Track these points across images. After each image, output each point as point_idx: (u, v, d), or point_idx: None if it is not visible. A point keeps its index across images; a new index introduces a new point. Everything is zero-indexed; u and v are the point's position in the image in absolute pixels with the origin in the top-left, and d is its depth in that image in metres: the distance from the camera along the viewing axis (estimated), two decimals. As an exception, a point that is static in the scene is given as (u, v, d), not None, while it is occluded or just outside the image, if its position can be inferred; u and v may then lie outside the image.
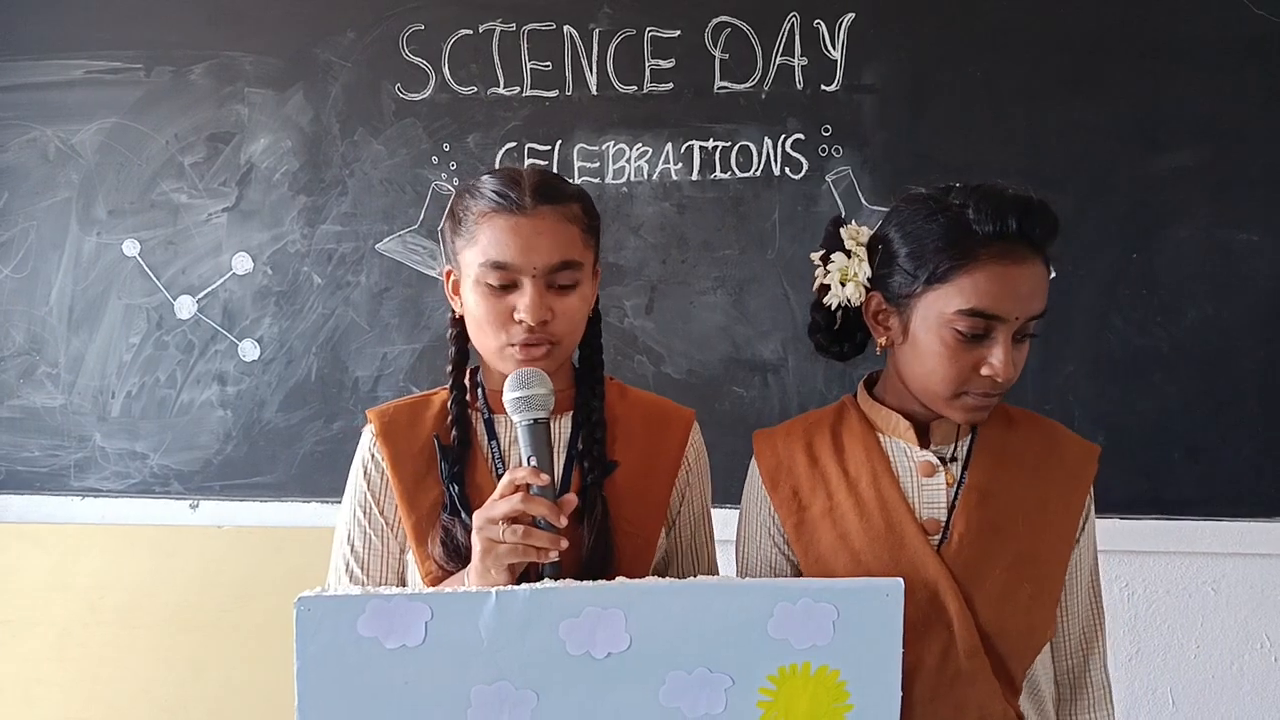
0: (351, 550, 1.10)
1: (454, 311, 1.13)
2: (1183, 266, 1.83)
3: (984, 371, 0.99)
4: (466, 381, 1.13)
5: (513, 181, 1.05)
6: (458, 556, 1.04)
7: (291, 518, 2.02)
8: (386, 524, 1.10)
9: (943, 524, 1.03)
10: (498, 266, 1.03)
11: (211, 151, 2.05)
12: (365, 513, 1.11)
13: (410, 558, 1.09)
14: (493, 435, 1.10)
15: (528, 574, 0.99)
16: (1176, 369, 1.83)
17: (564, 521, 0.96)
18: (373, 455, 1.11)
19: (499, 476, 1.07)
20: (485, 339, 1.06)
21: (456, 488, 1.06)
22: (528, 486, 0.96)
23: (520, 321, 1.03)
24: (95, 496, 2.08)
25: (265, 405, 2.06)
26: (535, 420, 1.00)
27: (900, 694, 0.88)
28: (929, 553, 1.01)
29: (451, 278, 1.11)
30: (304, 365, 2.05)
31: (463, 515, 1.04)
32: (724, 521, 1.94)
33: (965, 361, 0.99)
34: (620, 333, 1.98)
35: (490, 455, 1.09)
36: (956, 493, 1.04)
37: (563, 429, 1.12)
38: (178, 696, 1.92)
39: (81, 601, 1.96)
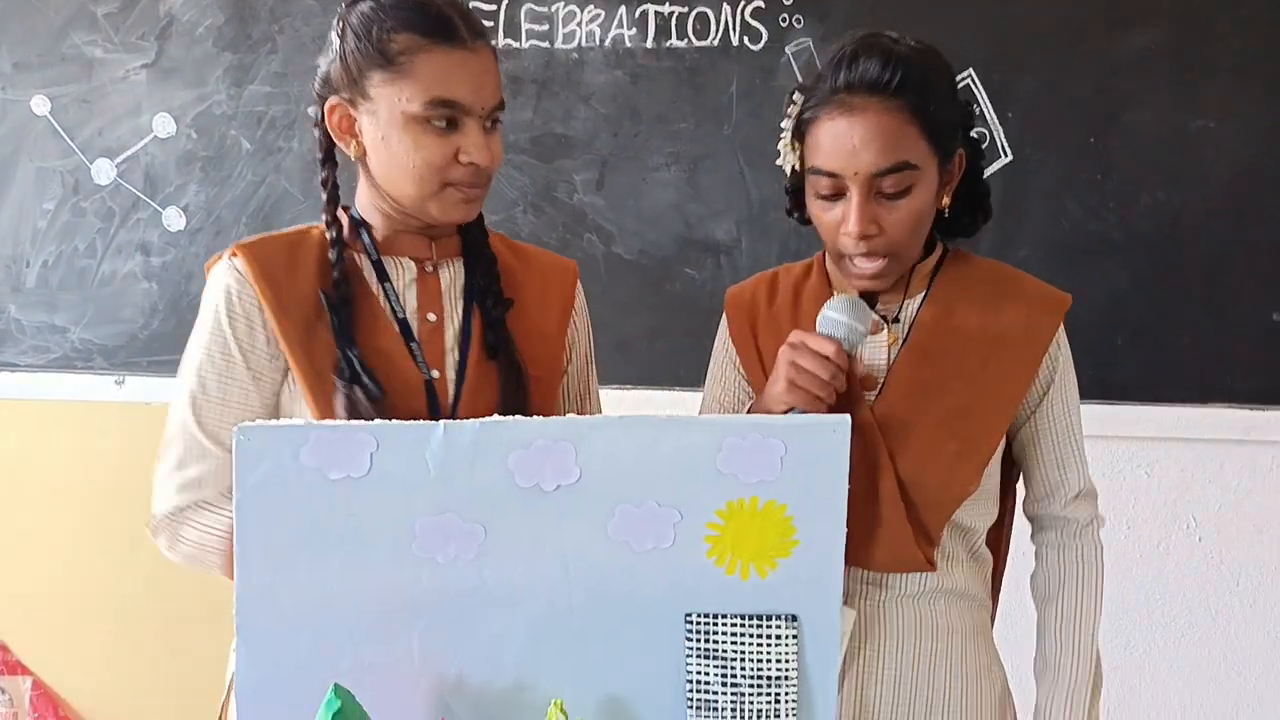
0: (204, 392, 0.97)
1: (327, 151, 1.03)
2: (1140, 153, 1.81)
3: None
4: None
5: (439, 10, 0.97)
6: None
7: (224, 395, 1.94)
8: (254, 377, 0.98)
9: (880, 381, 1.06)
10: (445, 104, 0.97)
11: (127, 1, 1.89)
12: (228, 361, 0.98)
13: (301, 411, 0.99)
14: (384, 277, 1.04)
15: None
16: (1128, 255, 1.83)
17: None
18: (243, 296, 0.98)
19: (397, 318, 1.02)
20: (417, 183, 0.98)
21: (355, 352, 0.97)
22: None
23: (468, 163, 0.98)
24: (13, 371, 1.98)
25: (193, 278, 1.95)
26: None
27: (845, 529, 0.88)
28: (860, 406, 1.04)
29: (338, 113, 1.00)
30: (233, 236, 1.91)
31: (364, 380, 0.96)
32: (673, 403, 1.96)
33: None
34: (570, 209, 1.91)
35: (383, 295, 1.03)
36: (899, 351, 1.07)
37: (455, 273, 1.07)
38: (111, 571, 1.89)
39: (4, 477, 1.89)
